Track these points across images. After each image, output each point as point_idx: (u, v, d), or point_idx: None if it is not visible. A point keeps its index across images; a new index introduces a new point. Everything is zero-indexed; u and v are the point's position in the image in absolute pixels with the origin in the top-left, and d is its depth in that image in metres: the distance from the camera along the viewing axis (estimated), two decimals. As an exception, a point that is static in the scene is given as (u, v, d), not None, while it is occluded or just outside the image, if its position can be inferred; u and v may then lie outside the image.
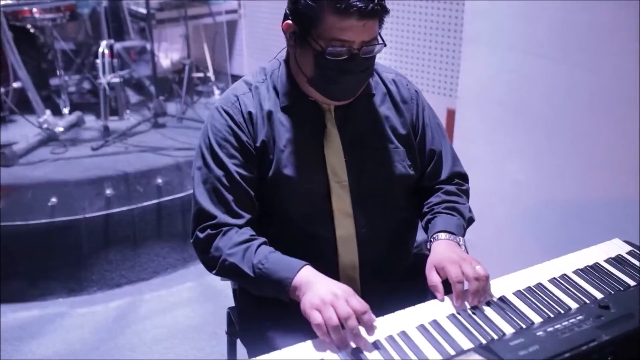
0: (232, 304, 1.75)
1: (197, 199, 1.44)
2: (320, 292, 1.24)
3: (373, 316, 1.22)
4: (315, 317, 1.20)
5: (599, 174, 2.18)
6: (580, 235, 2.21)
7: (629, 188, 2.11)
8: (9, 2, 2.95)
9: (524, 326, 1.26)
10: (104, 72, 3.22)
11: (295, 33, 1.39)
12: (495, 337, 1.23)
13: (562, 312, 1.30)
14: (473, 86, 2.37)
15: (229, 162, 1.42)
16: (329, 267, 1.44)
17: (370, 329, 1.20)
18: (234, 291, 1.76)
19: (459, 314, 1.29)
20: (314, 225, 1.48)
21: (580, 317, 1.25)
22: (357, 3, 1.28)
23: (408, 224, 1.63)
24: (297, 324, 1.34)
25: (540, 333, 1.22)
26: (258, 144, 1.45)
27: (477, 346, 1.19)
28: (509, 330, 1.26)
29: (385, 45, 1.39)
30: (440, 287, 1.33)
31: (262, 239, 1.41)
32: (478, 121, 2.41)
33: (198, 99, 3.80)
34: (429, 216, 1.56)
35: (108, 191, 2.79)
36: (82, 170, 2.87)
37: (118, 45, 3.37)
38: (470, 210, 1.59)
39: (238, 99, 1.47)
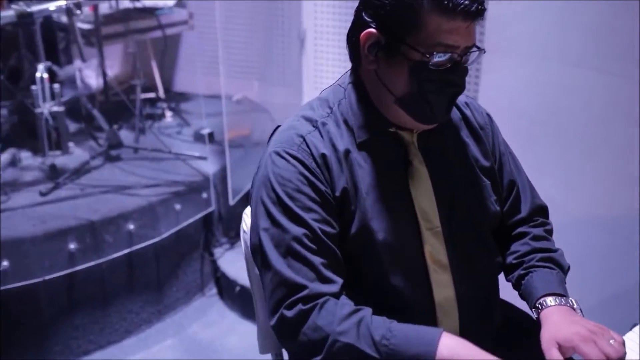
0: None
1: (275, 267, 1.12)
2: None
3: None
4: None
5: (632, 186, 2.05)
6: (615, 258, 2.07)
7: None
8: None
9: None
10: (44, 100, 2.73)
11: (378, 44, 1.14)
12: None
13: None
14: (497, 100, 2.17)
15: (308, 218, 1.13)
16: None
17: None
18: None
19: None
20: (408, 288, 1.21)
21: None
22: (464, 1, 1.06)
23: (498, 270, 1.38)
24: None
25: None
26: (338, 193, 1.17)
27: None
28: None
29: (484, 51, 1.15)
30: None
31: (368, 307, 1.12)
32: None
33: (152, 124, 3.36)
34: (520, 271, 1.31)
35: (71, 245, 2.34)
36: (36, 222, 2.38)
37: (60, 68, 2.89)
38: (564, 257, 1.35)
39: (305, 140, 1.18)
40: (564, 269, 1.31)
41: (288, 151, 1.17)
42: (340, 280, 1.14)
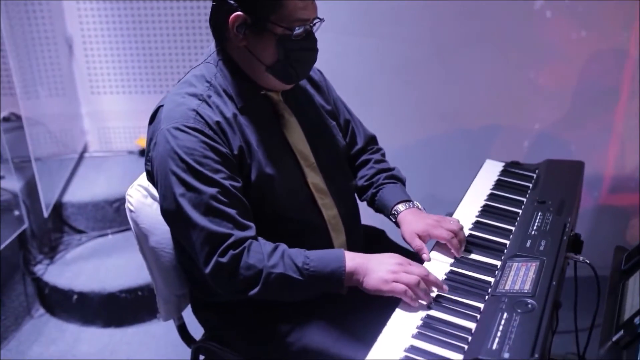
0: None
1: (200, 225, 1.32)
2: (383, 267, 1.33)
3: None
4: (399, 288, 1.29)
5: (409, 123, 2.62)
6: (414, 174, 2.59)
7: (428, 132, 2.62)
8: None
9: (510, 236, 1.56)
10: None
11: (245, 24, 1.38)
12: (505, 250, 1.50)
13: (519, 219, 1.64)
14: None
15: (218, 178, 1.34)
16: None
17: (438, 285, 1.34)
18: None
19: (458, 262, 1.46)
20: (304, 214, 1.51)
21: (540, 214, 1.63)
22: None
23: (355, 191, 1.75)
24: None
25: (533, 232, 1.55)
26: (236, 152, 1.40)
27: (509, 257, 1.44)
28: (505, 241, 1.54)
29: (324, 20, 1.46)
30: (426, 248, 1.50)
31: (283, 243, 1.39)
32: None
33: None
34: (372, 190, 1.70)
35: None
36: None
37: None
38: (400, 172, 1.76)
39: (198, 113, 1.38)
40: (403, 182, 1.73)
41: (186, 124, 1.35)
42: (253, 225, 1.37)
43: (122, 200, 3.02)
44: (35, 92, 3.26)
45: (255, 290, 1.33)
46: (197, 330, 1.71)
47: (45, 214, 2.73)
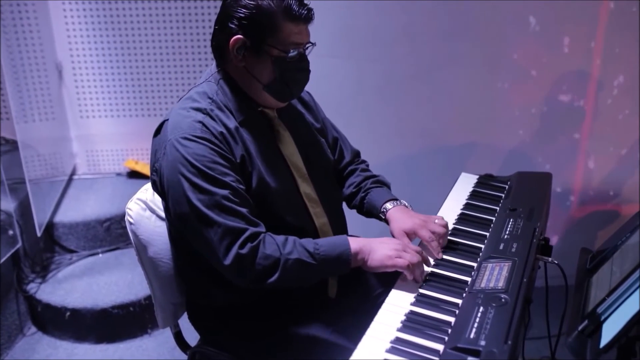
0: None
1: (217, 222, 1.41)
2: (386, 246, 1.49)
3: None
4: (402, 262, 1.46)
5: (388, 140, 2.76)
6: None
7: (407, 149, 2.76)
8: None
9: (485, 240, 1.70)
10: None
11: (245, 46, 1.50)
12: (480, 253, 1.63)
13: (493, 225, 1.77)
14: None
15: (227, 180, 1.45)
16: None
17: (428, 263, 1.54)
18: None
19: (438, 265, 1.58)
20: (298, 221, 1.62)
21: (511, 221, 1.76)
22: (304, 10, 1.50)
23: (342, 201, 1.88)
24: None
25: (505, 236, 1.68)
26: (238, 160, 1.51)
27: (484, 259, 1.57)
28: (480, 245, 1.67)
29: (315, 44, 1.58)
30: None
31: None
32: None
33: None
34: (361, 194, 1.83)
35: None
36: None
37: None
38: (385, 177, 1.90)
39: (203, 124, 1.49)
40: (388, 186, 1.86)
41: (194, 134, 1.46)
42: (261, 222, 1.48)
43: (112, 220, 3.17)
44: (25, 116, 3.35)
45: (274, 277, 1.43)
46: (191, 339, 1.81)
47: (39, 233, 2.81)
